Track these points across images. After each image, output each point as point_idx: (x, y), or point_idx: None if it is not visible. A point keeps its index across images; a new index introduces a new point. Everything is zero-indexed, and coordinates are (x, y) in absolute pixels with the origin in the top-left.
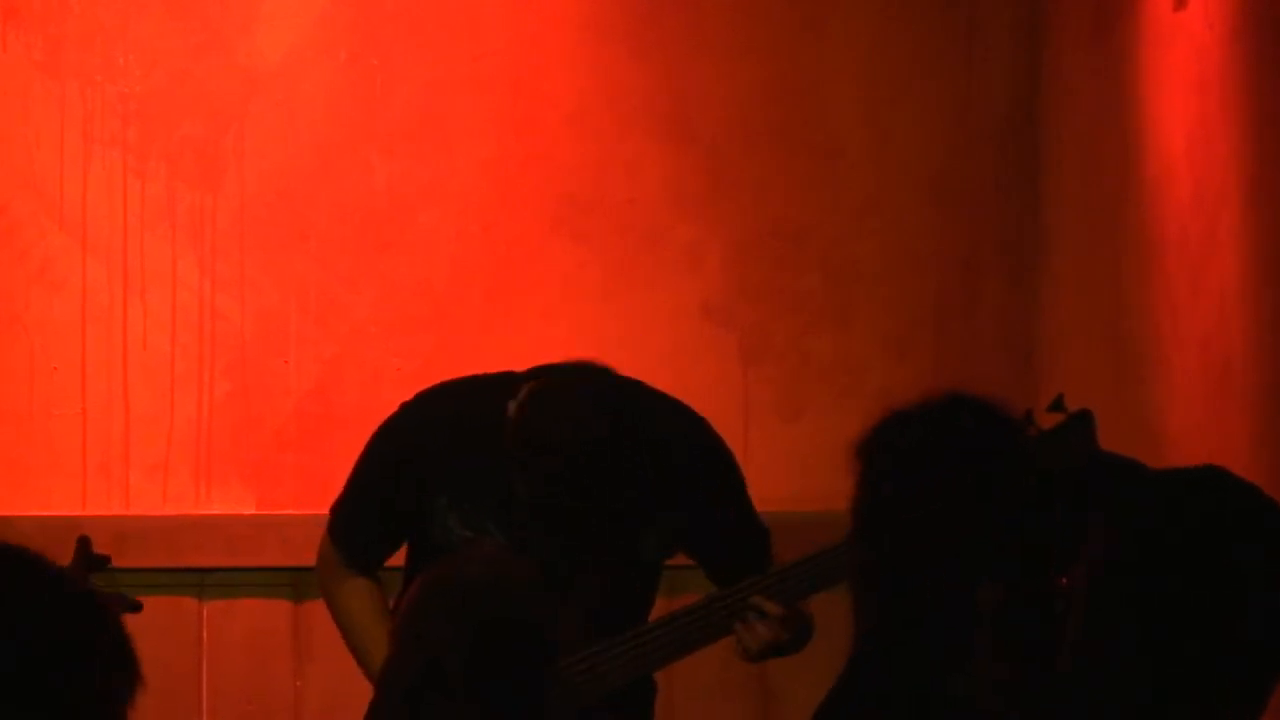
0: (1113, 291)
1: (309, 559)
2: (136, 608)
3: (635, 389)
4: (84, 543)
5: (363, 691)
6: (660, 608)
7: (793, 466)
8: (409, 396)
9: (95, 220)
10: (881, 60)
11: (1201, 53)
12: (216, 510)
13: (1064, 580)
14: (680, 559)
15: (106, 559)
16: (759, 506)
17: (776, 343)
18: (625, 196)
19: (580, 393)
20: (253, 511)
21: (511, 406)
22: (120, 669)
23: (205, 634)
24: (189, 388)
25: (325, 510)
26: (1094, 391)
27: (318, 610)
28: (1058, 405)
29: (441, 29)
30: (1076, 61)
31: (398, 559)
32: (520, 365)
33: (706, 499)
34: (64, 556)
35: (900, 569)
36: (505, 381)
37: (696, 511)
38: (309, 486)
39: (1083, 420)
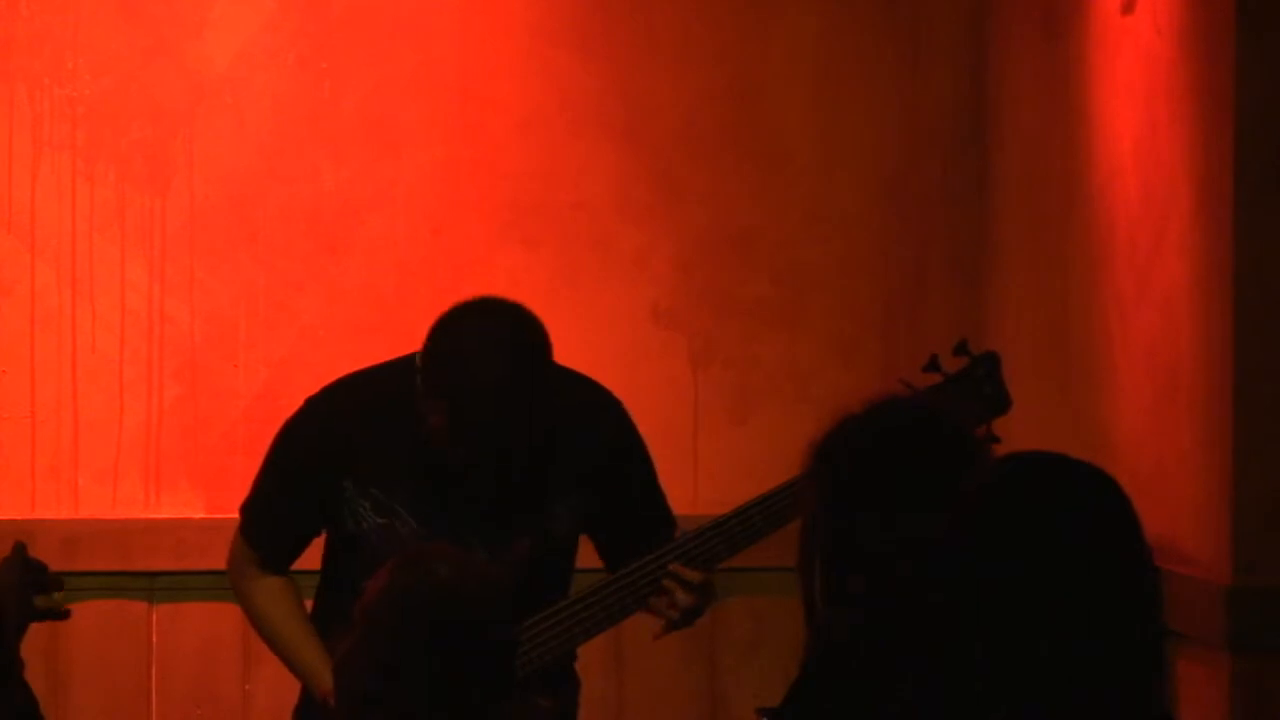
0: (1060, 296)
1: None
2: (63, 616)
3: (550, 368)
4: (19, 548)
5: None
6: None
7: (742, 469)
8: None
9: (44, 224)
10: (829, 65)
11: (1150, 57)
12: (166, 514)
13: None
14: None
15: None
16: (708, 509)
17: (725, 347)
18: (574, 201)
19: (486, 311)
20: (202, 515)
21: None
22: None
23: (155, 637)
24: (138, 391)
25: None
26: (1041, 396)
27: None
28: (962, 349)
29: (390, 33)
30: (1024, 65)
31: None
32: None
33: (616, 466)
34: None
35: (852, 585)
36: (407, 364)
37: (606, 478)
38: None
39: (988, 361)
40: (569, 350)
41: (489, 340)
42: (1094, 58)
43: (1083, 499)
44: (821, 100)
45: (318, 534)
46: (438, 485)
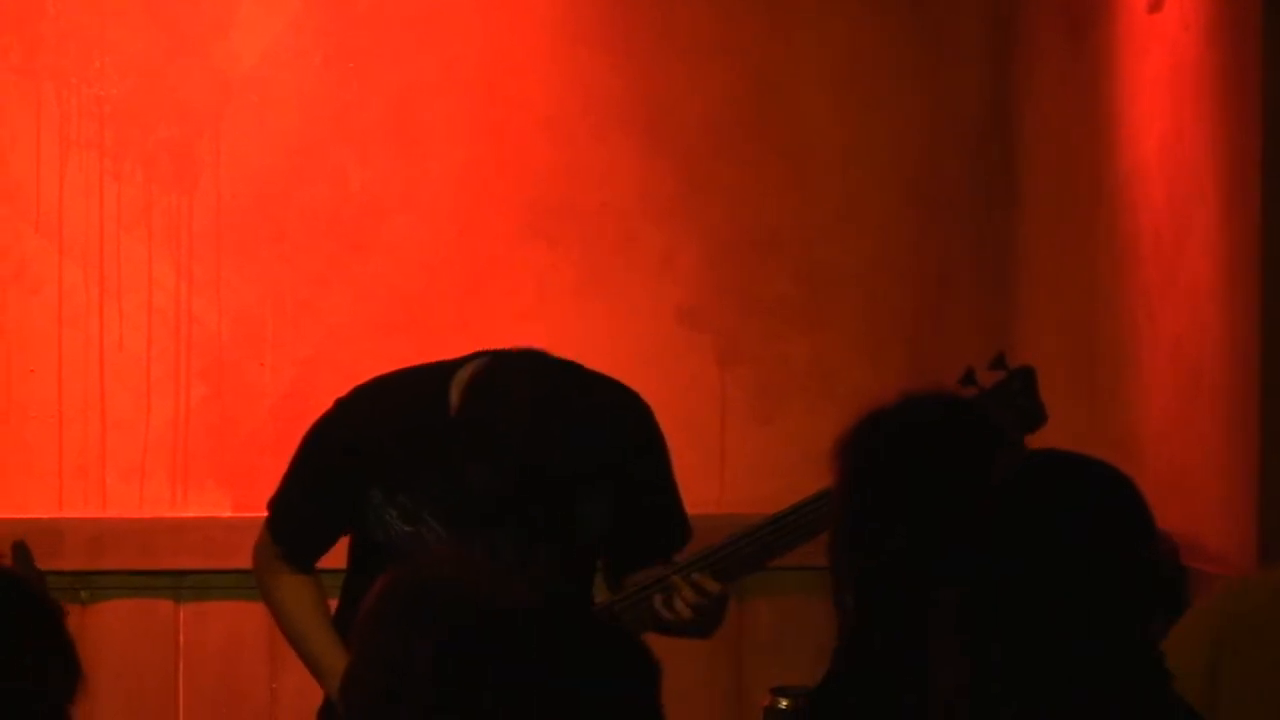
0: (1086, 293)
1: None
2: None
3: (572, 369)
4: (21, 548)
5: None
6: None
7: (768, 468)
8: None
9: (72, 223)
10: (854, 64)
11: (1176, 54)
12: (193, 513)
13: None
14: None
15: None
16: (734, 508)
17: (751, 346)
18: (599, 200)
19: (518, 380)
20: (229, 514)
21: (452, 393)
22: (57, 665)
23: (182, 636)
24: (165, 390)
25: None
26: (1066, 393)
27: None
28: (999, 363)
29: (416, 33)
30: (1050, 63)
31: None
32: None
33: (633, 463)
34: (39, 559)
35: (876, 577)
36: (439, 371)
37: (629, 487)
38: None
39: (1024, 375)
40: (594, 350)
41: (522, 413)
42: (1120, 54)
43: (1085, 499)
44: (846, 99)
45: (343, 534)
46: (466, 495)
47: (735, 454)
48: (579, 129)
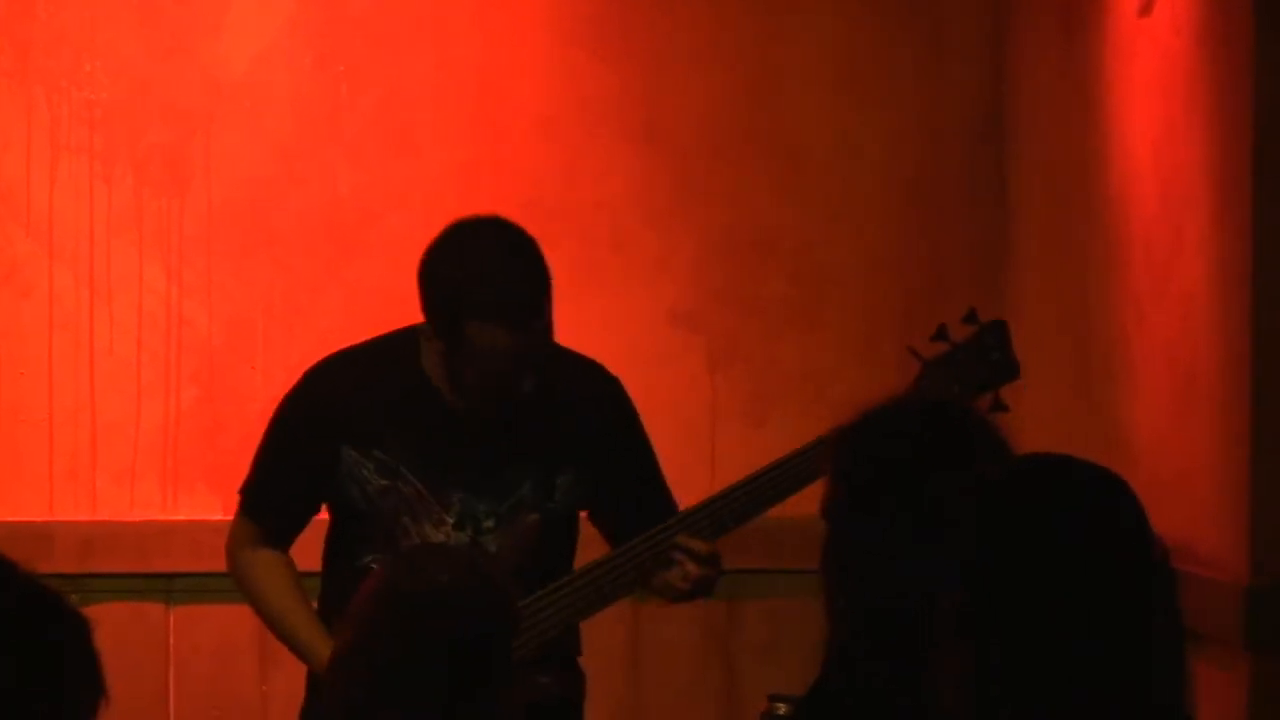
0: (1079, 297)
1: None
2: None
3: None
4: None
5: None
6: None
7: None
8: None
9: (62, 226)
10: (849, 65)
11: (1168, 58)
12: (183, 516)
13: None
14: None
15: None
16: None
17: (744, 348)
18: (593, 201)
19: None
20: (220, 517)
21: (423, 351)
22: (84, 679)
23: (172, 639)
24: (156, 394)
25: None
26: (1059, 396)
27: None
28: (971, 318)
29: (408, 34)
30: (1043, 67)
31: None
32: None
33: (616, 439)
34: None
35: (868, 578)
36: (407, 331)
37: (606, 451)
38: None
39: (997, 329)
40: (588, 350)
41: (494, 242)
42: (1112, 58)
43: (1081, 500)
44: (841, 100)
45: (316, 510)
46: (441, 447)
47: (727, 456)
48: (574, 130)
